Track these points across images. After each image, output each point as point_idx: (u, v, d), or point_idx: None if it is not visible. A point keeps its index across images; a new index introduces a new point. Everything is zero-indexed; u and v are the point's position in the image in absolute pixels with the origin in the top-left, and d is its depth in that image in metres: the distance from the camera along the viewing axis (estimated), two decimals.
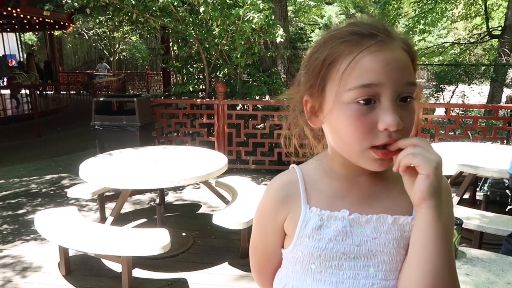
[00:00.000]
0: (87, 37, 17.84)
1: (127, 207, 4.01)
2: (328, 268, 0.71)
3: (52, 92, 12.48)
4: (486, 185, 4.08)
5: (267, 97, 6.10)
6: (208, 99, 5.50)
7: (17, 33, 12.73)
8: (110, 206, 3.78)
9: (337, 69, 0.64)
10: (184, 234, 3.43)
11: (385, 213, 0.70)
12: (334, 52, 0.65)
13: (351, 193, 0.73)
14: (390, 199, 0.72)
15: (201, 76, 6.35)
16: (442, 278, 0.63)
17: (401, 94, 0.63)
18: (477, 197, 3.81)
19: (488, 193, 3.79)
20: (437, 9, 12.72)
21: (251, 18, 4.51)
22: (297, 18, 16.74)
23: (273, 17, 4.92)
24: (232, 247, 3.18)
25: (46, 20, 10.82)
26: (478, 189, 4.02)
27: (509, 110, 7.07)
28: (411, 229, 0.68)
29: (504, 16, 9.98)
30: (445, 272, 0.64)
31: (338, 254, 0.70)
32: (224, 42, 5.14)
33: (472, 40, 12.75)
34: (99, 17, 5.40)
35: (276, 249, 0.80)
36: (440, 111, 6.45)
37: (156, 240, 2.44)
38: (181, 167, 2.95)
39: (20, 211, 3.97)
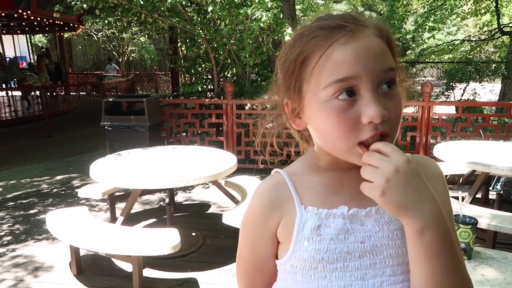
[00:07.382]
0: (96, 39, 17.98)
1: (137, 207, 4.03)
2: (333, 271, 0.65)
3: (62, 93, 12.60)
4: (499, 184, 4.02)
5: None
6: (216, 99, 5.50)
7: (28, 35, 12.87)
8: (120, 206, 3.80)
9: (310, 67, 0.62)
10: (194, 234, 3.43)
11: None
12: (305, 49, 0.62)
13: (343, 189, 0.69)
14: None
15: (209, 76, 6.36)
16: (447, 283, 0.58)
17: (381, 82, 0.60)
18: (490, 196, 3.76)
19: (501, 192, 3.73)
20: (447, 5, 12.58)
21: (259, 17, 4.50)
22: (306, 17, 16.69)
23: (281, 15, 4.90)
24: None
25: (56, 21, 10.90)
26: (491, 188, 3.96)
27: None
28: None
29: None
30: (448, 280, 0.58)
31: (342, 255, 0.65)
32: (233, 41, 5.13)
33: (482, 37, 12.57)
34: (108, 18, 5.43)
35: (268, 259, 0.74)
36: (451, 109, 6.36)
37: (166, 239, 2.44)
38: (191, 166, 2.95)
39: (32, 211, 4.01)
